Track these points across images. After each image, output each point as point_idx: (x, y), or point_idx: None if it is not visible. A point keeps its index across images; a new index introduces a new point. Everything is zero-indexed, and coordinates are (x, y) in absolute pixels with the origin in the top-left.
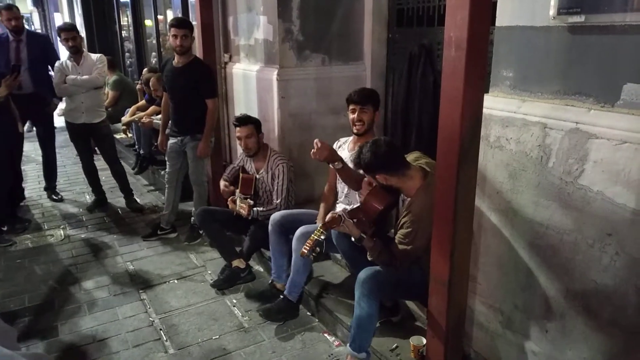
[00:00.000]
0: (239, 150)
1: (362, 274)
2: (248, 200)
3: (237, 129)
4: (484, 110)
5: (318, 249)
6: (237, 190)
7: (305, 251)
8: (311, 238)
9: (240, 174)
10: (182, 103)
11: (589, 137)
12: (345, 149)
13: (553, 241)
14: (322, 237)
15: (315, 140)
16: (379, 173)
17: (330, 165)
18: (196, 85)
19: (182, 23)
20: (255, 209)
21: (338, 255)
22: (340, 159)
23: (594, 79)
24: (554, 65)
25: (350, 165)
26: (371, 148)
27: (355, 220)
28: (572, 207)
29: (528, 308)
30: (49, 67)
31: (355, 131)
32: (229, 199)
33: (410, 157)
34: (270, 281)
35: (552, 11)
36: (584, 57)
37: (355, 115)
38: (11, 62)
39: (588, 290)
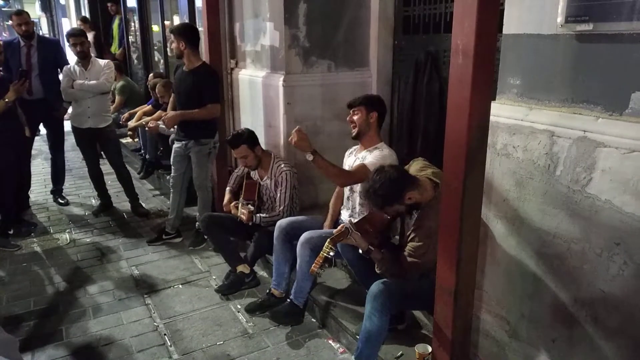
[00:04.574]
0: None
1: (375, 288)
2: (249, 206)
3: (233, 149)
4: (491, 118)
5: (327, 264)
6: (241, 196)
7: (315, 269)
8: (320, 255)
9: (244, 180)
10: (187, 107)
11: (596, 146)
12: (353, 153)
13: (560, 250)
14: (331, 253)
15: (298, 127)
16: (390, 209)
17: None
18: (200, 89)
19: (170, 29)
20: (257, 215)
21: (343, 262)
22: (312, 152)
23: (602, 87)
24: (561, 73)
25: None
26: (374, 197)
27: (362, 232)
28: (579, 216)
29: (535, 317)
30: (59, 72)
31: (352, 135)
32: (232, 204)
33: (415, 165)
34: (268, 290)
35: (559, 19)
36: (591, 65)
37: (348, 118)
38: (20, 68)
39: (596, 300)
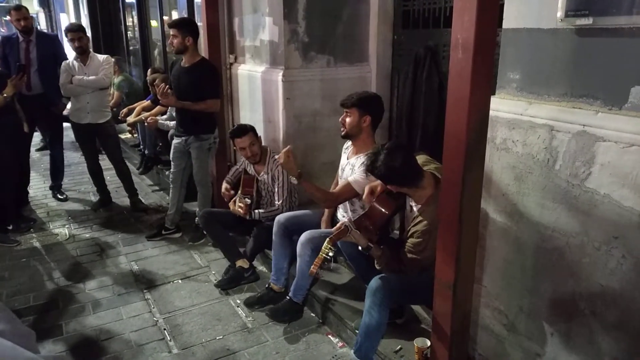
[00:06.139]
0: None
1: (374, 283)
2: (246, 199)
3: (237, 140)
4: (491, 112)
5: (327, 264)
6: (239, 191)
7: (314, 270)
8: (319, 256)
9: (242, 175)
10: None
11: (596, 140)
12: (347, 153)
13: (559, 244)
14: (331, 254)
15: (289, 147)
16: (391, 185)
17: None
18: (200, 85)
19: (173, 23)
20: (256, 210)
21: (341, 258)
22: (298, 177)
23: (601, 81)
24: (561, 68)
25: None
26: (386, 161)
27: (361, 228)
28: (578, 210)
29: (533, 311)
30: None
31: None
32: (231, 201)
33: (418, 159)
34: (267, 284)
35: (559, 13)
36: (591, 59)
37: (340, 119)
38: (18, 62)
39: (594, 294)
